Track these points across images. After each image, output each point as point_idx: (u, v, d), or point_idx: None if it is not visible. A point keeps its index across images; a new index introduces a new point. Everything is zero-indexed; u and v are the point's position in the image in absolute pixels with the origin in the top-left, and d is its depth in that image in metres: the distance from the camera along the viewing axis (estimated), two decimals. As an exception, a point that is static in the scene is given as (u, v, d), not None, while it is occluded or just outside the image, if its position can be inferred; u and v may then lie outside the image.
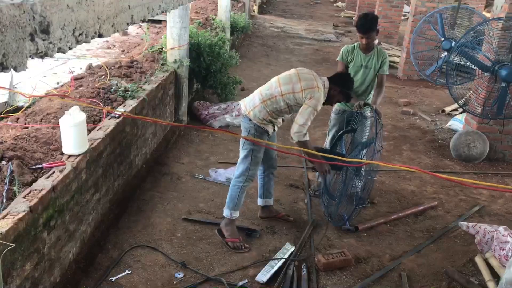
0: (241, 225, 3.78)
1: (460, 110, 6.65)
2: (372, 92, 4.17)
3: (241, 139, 3.55)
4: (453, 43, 6.47)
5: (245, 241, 3.60)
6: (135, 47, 6.95)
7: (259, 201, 3.91)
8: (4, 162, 2.78)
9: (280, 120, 3.59)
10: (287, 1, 20.39)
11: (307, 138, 3.43)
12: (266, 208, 3.92)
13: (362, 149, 3.74)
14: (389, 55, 10.29)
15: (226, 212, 3.59)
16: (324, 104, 3.55)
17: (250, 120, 3.47)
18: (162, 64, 5.40)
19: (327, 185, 3.98)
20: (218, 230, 3.62)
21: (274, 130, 3.62)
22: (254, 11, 15.46)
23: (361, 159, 3.67)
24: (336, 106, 4.25)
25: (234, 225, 3.61)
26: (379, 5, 11.62)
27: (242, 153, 3.53)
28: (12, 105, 4.37)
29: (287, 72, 3.57)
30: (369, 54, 4.02)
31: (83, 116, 3.07)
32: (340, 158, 3.67)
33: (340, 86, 3.54)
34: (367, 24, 3.91)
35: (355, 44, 4.11)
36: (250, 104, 3.51)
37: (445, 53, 6.85)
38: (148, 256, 3.37)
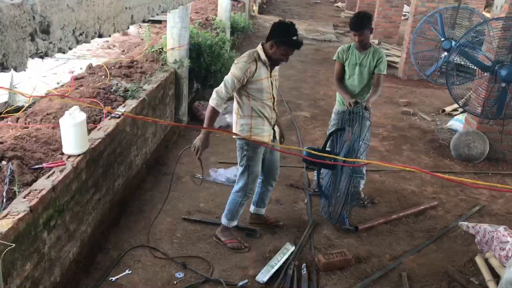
0: (241, 225, 3.78)
1: (460, 110, 6.65)
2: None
3: (237, 154, 3.42)
4: (453, 43, 6.48)
5: (245, 240, 3.60)
6: (135, 47, 6.96)
7: (251, 208, 3.82)
8: (4, 162, 2.78)
9: (263, 119, 3.34)
10: (287, 1, 20.40)
11: (218, 108, 3.19)
12: (256, 216, 3.84)
13: (350, 146, 3.70)
14: (389, 55, 10.31)
15: (223, 221, 3.56)
16: (273, 64, 3.27)
17: (239, 138, 3.35)
18: (162, 64, 5.40)
19: (320, 184, 3.98)
20: (215, 236, 3.59)
21: (274, 137, 3.48)
22: (254, 11, 15.46)
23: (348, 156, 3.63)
24: (336, 107, 4.25)
25: (230, 230, 3.59)
26: (379, 5, 11.63)
27: (239, 169, 3.45)
28: (12, 105, 4.37)
29: None
30: (364, 53, 4.02)
31: (83, 116, 3.07)
32: (333, 157, 3.66)
33: (275, 37, 3.16)
34: (358, 22, 3.93)
35: (352, 43, 4.12)
36: (234, 126, 3.41)
37: (445, 53, 6.85)
38: (148, 256, 3.37)
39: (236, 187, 3.50)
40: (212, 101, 3.19)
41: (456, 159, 5.46)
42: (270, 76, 3.31)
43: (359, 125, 3.70)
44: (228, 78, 3.17)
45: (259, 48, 3.25)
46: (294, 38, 3.14)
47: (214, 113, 3.22)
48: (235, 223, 3.58)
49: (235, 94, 3.29)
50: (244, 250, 3.50)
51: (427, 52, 7.82)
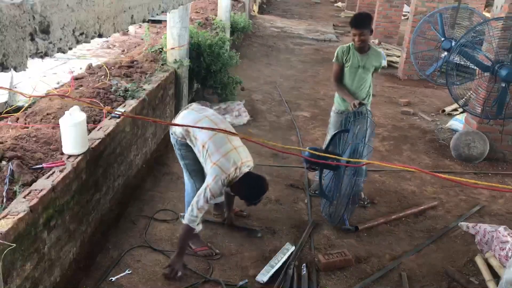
0: (241, 225, 3.78)
1: (460, 110, 6.65)
2: (371, 93, 4.16)
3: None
4: (453, 43, 6.47)
5: (246, 240, 3.59)
6: (135, 47, 6.96)
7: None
8: (4, 162, 2.78)
9: None
10: (287, 1, 20.40)
11: (197, 227, 3.15)
12: None
13: (353, 149, 3.69)
14: (389, 55, 10.30)
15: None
16: (232, 192, 3.30)
17: (171, 134, 3.38)
18: (162, 64, 5.40)
19: (322, 186, 3.97)
20: (188, 246, 3.46)
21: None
22: (254, 11, 15.46)
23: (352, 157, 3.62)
24: (336, 105, 4.24)
25: (198, 237, 3.48)
26: (379, 5, 11.63)
27: (184, 172, 3.47)
28: (12, 105, 4.38)
29: (230, 136, 3.16)
30: (365, 55, 3.99)
31: (83, 116, 3.07)
32: (336, 157, 3.65)
33: (241, 182, 3.14)
34: (361, 20, 3.93)
35: (350, 44, 4.06)
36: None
37: (445, 53, 6.85)
38: (148, 256, 3.37)
39: (186, 189, 3.50)
40: (191, 221, 3.09)
41: (456, 159, 5.46)
42: None
43: (364, 126, 3.68)
44: (208, 194, 3.05)
45: (238, 173, 3.11)
46: (252, 201, 3.26)
47: (191, 232, 3.17)
48: (199, 227, 3.35)
49: (191, 143, 3.24)
50: (215, 257, 3.39)
51: (427, 52, 7.82)
